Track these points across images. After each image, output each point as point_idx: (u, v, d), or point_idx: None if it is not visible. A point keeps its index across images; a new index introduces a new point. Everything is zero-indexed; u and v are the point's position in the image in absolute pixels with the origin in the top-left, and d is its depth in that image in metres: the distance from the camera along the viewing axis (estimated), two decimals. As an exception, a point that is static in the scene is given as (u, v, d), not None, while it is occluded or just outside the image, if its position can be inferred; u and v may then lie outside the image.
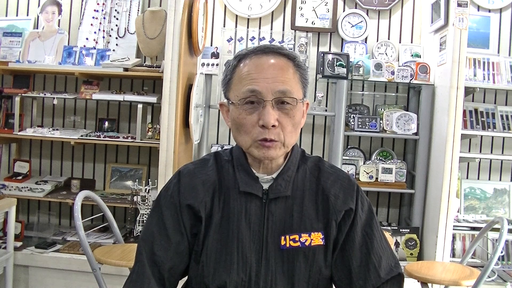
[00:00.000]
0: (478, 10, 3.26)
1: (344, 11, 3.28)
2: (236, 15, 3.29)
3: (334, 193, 1.16)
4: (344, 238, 1.15)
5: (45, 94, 3.09)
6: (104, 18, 3.20)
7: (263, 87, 1.07)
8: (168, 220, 1.15)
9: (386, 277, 1.15)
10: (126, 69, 2.93)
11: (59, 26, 3.27)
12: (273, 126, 1.07)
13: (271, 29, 3.30)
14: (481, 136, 3.23)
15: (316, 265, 1.13)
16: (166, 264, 1.14)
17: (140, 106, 2.94)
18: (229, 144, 3.30)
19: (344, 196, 1.16)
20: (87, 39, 3.18)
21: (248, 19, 3.30)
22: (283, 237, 1.12)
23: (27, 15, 3.33)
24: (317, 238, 1.13)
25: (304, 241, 1.12)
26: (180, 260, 1.15)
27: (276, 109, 1.08)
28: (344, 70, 2.97)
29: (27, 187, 3.04)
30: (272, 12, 3.29)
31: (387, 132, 3.07)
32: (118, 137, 3.00)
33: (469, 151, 3.28)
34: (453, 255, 3.00)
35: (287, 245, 1.11)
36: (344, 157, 3.11)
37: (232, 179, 1.16)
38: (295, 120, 1.11)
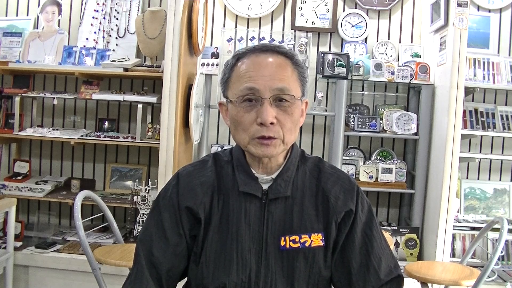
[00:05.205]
0: (478, 10, 3.26)
1: (344, 11, 3.28)
2: (236, 15, 3.29)
3: (334, 194, 1.16)
4: (344, 239, 1.15)
5: (45, 94, 3.09)
6: (104, 18, 3.20)
7: (261, 85, 1.07)
8: (167, 222, 1.15)
9: (385, 279, 1.15)
10: (126, 69, 2.93)
11: (59, 26, 3.27)
12: (272, 123, 1.07)
13: (271, 29, 3.30)
14: (481, 136, 3.23)
15: (316, 266, 1.13)
16: (164, 265, 1.14)
17: (140, 106, 2.94)
18: (229, 144, 3.30)
19: (344, 197, 1.16)
20: (87, 39, 3.18)
21: (248, 19, 3.30)
22: (283, 238, 1.11)
23: (27, 15, 3.33)
24: (317, 239, 1.13)
25: (304, 242, 1.12)
26: (178, 261, 1.15)
27: (274, 107, 1.08)
28: (344, 70, 2.97)
29: (27, 187, 3.04)
30: (272, 12, 3.29)
31: (387, 132, 3.07)
32: (118, 137, 3.00)
33: (469, 151, 3.28)
34: (453, 255, 3.00)
35: (287, 246, 1.11)
36: (344, 157, 3.11)
37: (231, 180, 1.16)
38: (294, 117, 1.11)
